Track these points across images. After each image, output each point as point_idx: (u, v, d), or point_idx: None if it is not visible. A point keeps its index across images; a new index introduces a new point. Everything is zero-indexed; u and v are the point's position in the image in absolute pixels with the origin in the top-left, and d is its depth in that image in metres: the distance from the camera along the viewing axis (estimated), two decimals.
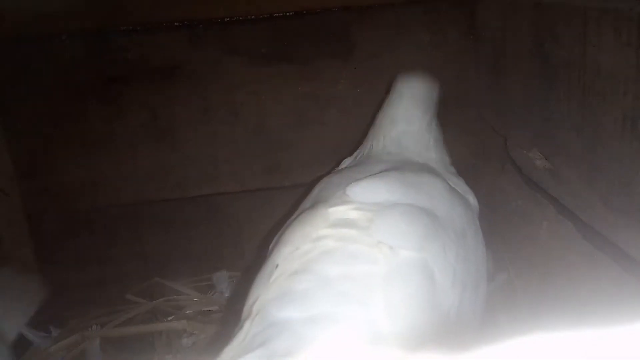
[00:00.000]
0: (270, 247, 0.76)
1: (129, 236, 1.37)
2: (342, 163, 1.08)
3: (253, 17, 1.30)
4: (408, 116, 1.01)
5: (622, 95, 0.77)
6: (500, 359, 0.24)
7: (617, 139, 0.79)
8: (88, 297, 1.35)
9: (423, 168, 0.91)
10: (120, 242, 1.37)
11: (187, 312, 1.31)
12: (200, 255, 1.40)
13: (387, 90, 1.11)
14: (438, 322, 0.61)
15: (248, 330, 0.57)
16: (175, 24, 1.28)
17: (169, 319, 1.30)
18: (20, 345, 1.17)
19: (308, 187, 1.10)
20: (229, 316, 1.28)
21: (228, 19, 1.29)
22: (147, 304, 1.33)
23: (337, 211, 0.68)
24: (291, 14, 1.31)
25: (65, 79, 1.28)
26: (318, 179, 1.10)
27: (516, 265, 1.20)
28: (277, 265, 0.65)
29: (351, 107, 1.36)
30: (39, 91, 1.27)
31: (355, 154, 1.08)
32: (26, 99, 1.27)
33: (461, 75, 1.37)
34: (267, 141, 1.36)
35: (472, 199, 0.91)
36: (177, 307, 1.33)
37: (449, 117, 1.39)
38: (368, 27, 1.33)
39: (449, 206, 0.77)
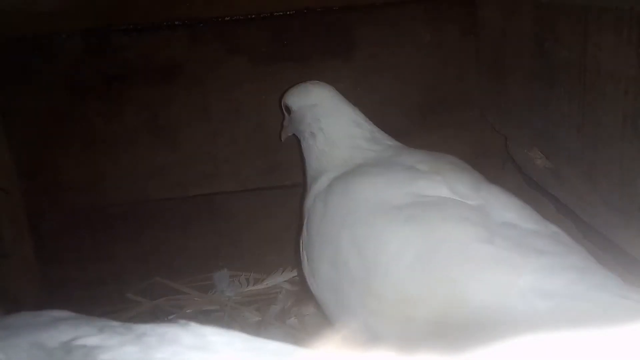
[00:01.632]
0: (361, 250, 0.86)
1: (129, 235, 1.37)
2: (311, 191, 1.07)
3: (253, 16, 1.30)
4: (353, 118, 1.10)
5: (623, 95, 0.77)
6: (500, 359, 0.24)
7: (617, 138, 0.79)
8: (88, 295, 1.35)
9: (439, 154, 1.05)
10: (121, 241, 1.37)
11: (187, 311, 1.31)
12: (201, 254, 1.40)
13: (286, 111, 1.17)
14: None
15: None
16: (176, 23, 1.28)
17: (170, 318, 1.30)
18: None
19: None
20: None
21: (228, 18, 1.29)
22: (148, 303, 1.33)
23: (469, 207, 0.85)
24: (292, 13, 1.31)
25: (65, 79, 1.28)
26: None
27: None
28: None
29: None
30: (39, 91, 1.27)
31: (311, 176, 1.09)
32: (26, 98, 1.27)
33: (462, 74, 1.37)
34: (267, 140, 1.36)
35: None
36: (177, 306, 1.33)
37: (450, 116, 1.40)
38: (368, 26, 1.33)
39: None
